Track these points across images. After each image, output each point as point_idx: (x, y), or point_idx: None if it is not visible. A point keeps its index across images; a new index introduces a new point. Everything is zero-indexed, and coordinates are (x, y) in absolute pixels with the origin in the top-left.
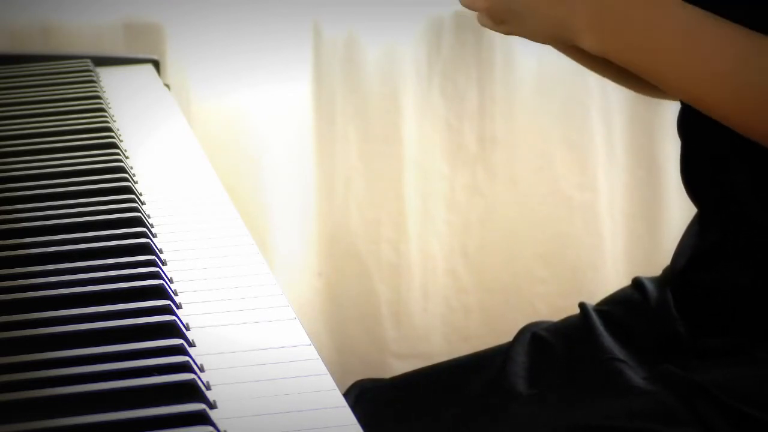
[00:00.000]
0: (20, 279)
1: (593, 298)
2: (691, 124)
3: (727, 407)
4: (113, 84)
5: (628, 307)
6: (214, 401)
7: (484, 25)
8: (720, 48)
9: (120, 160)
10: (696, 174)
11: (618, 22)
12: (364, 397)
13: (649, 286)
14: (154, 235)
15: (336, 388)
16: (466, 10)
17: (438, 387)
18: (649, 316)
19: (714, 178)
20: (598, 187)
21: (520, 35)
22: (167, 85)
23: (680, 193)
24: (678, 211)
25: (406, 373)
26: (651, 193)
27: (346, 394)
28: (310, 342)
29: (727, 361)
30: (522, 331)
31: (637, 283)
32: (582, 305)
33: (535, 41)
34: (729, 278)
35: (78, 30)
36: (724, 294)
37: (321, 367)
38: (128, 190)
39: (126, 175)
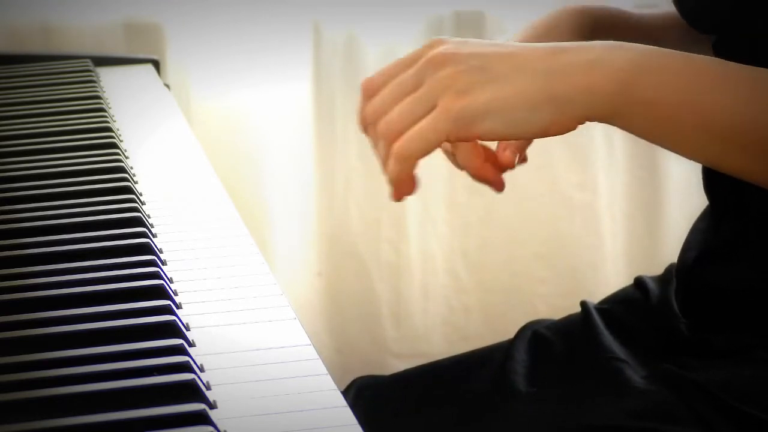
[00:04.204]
0: (20, 279)
1: (593, 298)
2: None
3: (727, 407)
4: (113, 84)
5: (630, 305)
6: (214, 401)
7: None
8: None
9: (120, 160)
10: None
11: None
12: (364, 393)
13: (651, 285)
14: (154, 235)
15: (336, 388)
16: (466, 9)
17: (438, 384)
18: (650, 315)
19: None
20: (598, 187)
21: (496, 107)
22: (167, 85)
23: (680, 193)
24: (678, 211)
25: (405, 370)
26: (651, 193)
27: (346, 391)
28: (310, 342)
29: (727, 360)
30: (523, 329)
31: (639, 282)
32: (583, 303)
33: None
34: (738, 274)
35: (78, 30)
36: (732, 290)
37: (321, 367)
38: (128, 190)
39: (126, 175)
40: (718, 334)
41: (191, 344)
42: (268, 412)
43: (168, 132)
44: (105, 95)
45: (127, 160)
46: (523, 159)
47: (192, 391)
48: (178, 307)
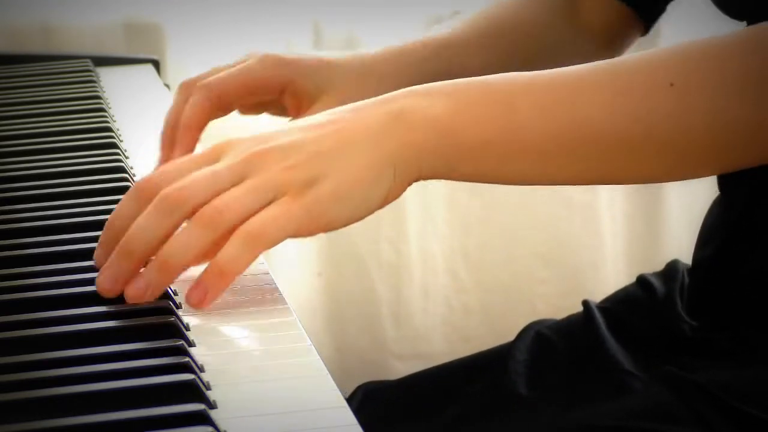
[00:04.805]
0: (20, 279)
1: (593, 298)
2: None
3: (728, 407)
4: (113, 84)
5: (632, 304)
6: (214, 401)
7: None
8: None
9: (120, 160)
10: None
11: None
12: (370, 398)
13: (654, 283)
14: None
15: (336, 388)
16: (466, 10)
17: (443, 387)
18: (653, 314)
19: None
20: (598, 187)
21: (342, 191)
22: (167, 85)
23: (680, 192)
24: (678, 210)
25: (411, 374)
26: (651, 193)
27: (352, 396)
28: (310, 342)
29: (729, 361)
30: (525, 329)
31: (641, 281)
32: (585, 303)
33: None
34: (745, 268)
35: (78, 30)
36: (738, 285)
37: (321, 367)
38: (128, 190)
39: (126, 175)
40: (723, 332)
41: (191, 344)
42: (268, 412)
43: None
44: (105, 95)
45: (127, 160)
46: None
47: (192, 391)
48: (178, 307)
